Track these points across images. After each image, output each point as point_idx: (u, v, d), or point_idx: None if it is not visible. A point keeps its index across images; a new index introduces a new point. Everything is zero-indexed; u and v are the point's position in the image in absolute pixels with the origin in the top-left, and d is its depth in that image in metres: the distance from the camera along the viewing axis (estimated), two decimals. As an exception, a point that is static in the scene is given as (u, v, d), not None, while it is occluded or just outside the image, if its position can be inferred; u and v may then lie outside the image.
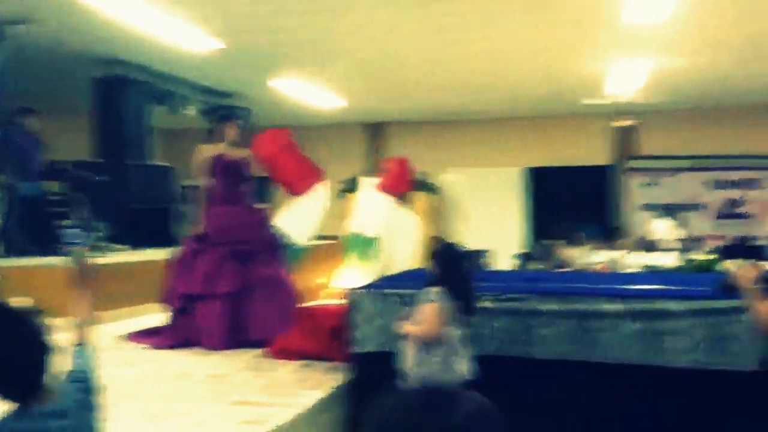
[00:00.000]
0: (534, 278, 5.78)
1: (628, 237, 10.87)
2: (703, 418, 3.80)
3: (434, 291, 3.65)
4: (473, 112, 12.34)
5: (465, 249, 4.01)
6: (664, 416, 3.89)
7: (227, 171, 5.98)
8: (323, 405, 4.13)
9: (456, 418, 1.38)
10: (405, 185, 7.18)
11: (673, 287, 4.25)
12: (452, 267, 3.74)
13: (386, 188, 6.95)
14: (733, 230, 11.59)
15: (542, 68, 9.17)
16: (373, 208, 6.82)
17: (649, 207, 12.12)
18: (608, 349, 4.01)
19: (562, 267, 8.66)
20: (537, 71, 9.33)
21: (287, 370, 4.79)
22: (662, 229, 10.77)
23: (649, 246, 10.03)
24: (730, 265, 3.70)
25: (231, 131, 6.05)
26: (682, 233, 10.56)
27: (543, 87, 10.24)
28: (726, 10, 7.01)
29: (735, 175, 12.06)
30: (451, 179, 12.17)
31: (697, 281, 4.68)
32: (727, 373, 3.77)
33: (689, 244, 9.89)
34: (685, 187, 12.24)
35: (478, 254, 9.08)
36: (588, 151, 12.58)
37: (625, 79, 9.47)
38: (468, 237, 9.01)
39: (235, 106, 10.67)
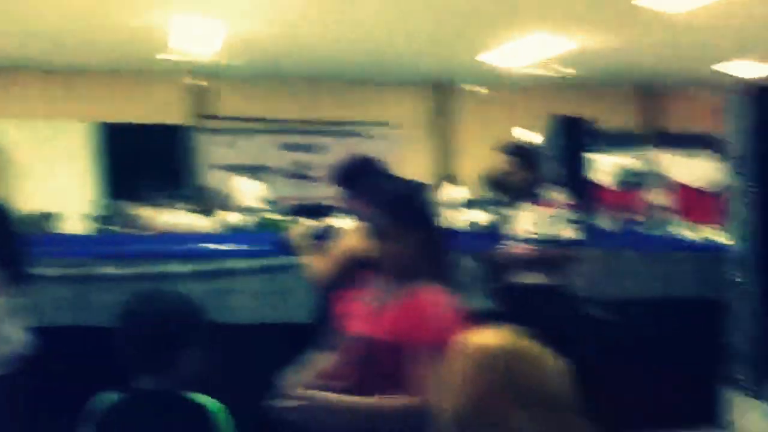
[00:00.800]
0: (103, 242, 5.53)
1: (210, 198, 11.00)
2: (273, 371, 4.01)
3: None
4: (36, 58, 11.24)
5: (21, 211, 3.63)
6: (240, 371, 4.01)
7: None
8: None
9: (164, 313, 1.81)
10: None
11: (240, 246, 4.40)
12: (-2, 231, 3.35)
13: None
14: (303, 192, 12.52)
15: (107, 18, 8.69)
16: None
17: (229, 168, 12.44)
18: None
19: (140, 229, 8.42)
20: (102, 20, 8.81)
21: None
22: (245, 189, 11.08)
23: (231, 206, 10.28)
24: (291, 225, 3.94)
25: None
26: (263, 194, 11.01)
27: (112, 38, 9.73)
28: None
29: (305, 140, 13.03)
30: (10, 132, 10.98)
31: (264, 240, 4.91)
32: (288, 326, 4.03)
33: (269, 204, 10.37)
34: (262, 149, 12.85)
35: (41, 217, 8.36)
36: (167, 109, 12.40)
37: (202, 38, 9.51)
38: (30, 197, 8.25)
39: None
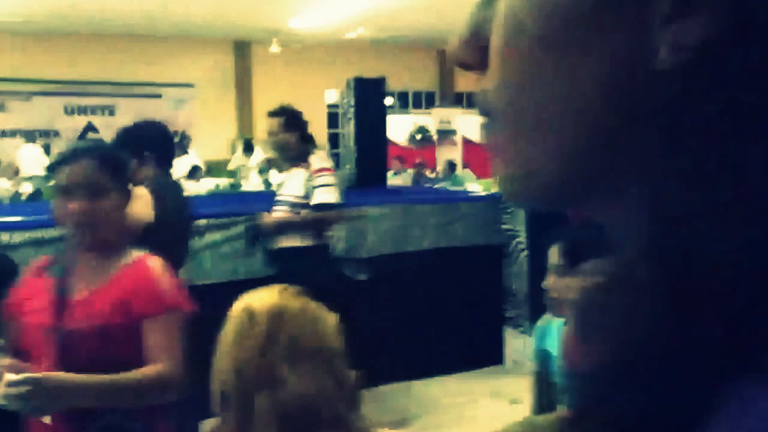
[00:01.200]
0: None
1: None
2: None
3: None
4: None
5: None
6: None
7: None
8: None
9: None
10: None
11: (15, 218, 4.08)
12: None
13: None
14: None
15: None
16: None
17: (3, 133, 11.48)
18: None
19: None
20: None
21: None
22: (22, 156, 10.39)
23: (6, 174, 9.54)
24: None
25: None
26: (44, 160, 10.32)
27: None
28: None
29: (90, 101, 12.23)
30: None
31: (43, 210, 4.58)
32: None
33: (50, 171, 9.71)
34: (40, 112, 11.89)
35: None
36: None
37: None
38: None
39: None
